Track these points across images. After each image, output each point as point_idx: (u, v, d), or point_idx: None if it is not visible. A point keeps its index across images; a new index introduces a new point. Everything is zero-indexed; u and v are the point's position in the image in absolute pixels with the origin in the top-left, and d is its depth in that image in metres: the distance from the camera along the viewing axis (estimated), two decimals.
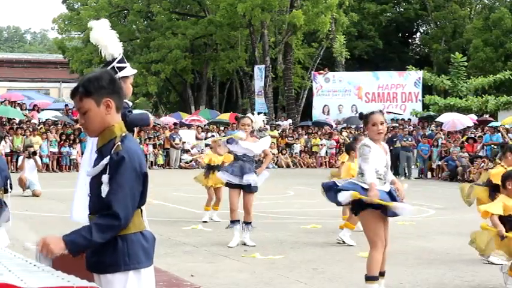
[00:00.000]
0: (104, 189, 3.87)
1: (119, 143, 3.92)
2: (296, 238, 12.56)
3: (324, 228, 13.35)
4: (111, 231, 3.84)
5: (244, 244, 11.41)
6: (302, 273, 9.39)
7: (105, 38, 7.30)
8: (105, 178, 3.87)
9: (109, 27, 7.39)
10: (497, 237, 8.31)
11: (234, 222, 11.52)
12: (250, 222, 11.50)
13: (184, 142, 34.32)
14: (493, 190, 9.86)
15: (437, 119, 36.13)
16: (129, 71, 7.35)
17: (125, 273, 3.93)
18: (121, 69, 7.21)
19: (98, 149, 4.06)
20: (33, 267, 3.77)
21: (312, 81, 45.41)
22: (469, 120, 33.69)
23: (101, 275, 3.97)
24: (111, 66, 7.16)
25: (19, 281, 3.37)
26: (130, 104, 7.50)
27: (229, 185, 11.51)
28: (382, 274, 7.90)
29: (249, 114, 11.84)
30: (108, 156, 3.89)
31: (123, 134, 4.00)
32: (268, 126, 36.81)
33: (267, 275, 9.31)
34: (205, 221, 14.30)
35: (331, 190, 7.91)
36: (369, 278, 7.73)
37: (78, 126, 29.72)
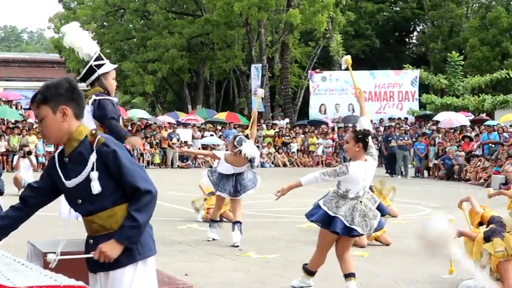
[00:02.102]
0: (94, 186, 3.89)
1: (99, 136, 3.95)
2: (291, 237, 12.54)
3: (319, 228, 13.29)
4: (151, 205, 3.93)
5: (233, 245, 11.34)
6: (297, 272, 9.34)
7: (78, 39, 7.28)
8: (94, 175, 3.89)
9: (80, 29, 7.36)
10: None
11: (214, 221, 11.89)
12: (241, 222, 11.52)
13: (182, 141, 34.29)
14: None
15: (434, 118, 36.11)
16: (108, 66, 7.34)
17: (135, 264, 3.97)
18: (100, 66, 7.19)
19: (70, 155, 4.00)
20: (21, 266, 3.73)
21: (308, 80, 45.38)
22: (465, 118, 33.67)
23: (109, 271, 3.98)
24: (89, 65, 7.15)
25: (6, 280, 3.34)
26: (116, 100, 7.46)
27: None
28: (352, 275, 8.13)
29: (238, 139, 11.53)
30: (94, 152, 3.90)
31: (93, 131, 4.01)
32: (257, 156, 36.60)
33: (262, 274, 9.29)
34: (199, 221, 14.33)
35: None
36: (308, 271, 8.41)
37: None
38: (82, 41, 7.26)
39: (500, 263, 8.08)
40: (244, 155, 11.23)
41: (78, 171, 3.95)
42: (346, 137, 8.29)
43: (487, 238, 8.25)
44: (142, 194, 3.88)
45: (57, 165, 4.07)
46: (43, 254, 5.97)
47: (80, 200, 4.01)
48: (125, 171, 3.88)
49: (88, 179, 3.92)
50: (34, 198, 4.20)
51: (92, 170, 3.88)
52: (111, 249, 3.86)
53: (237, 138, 11.42)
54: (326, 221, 8.00)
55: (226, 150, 12.63)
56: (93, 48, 7.29)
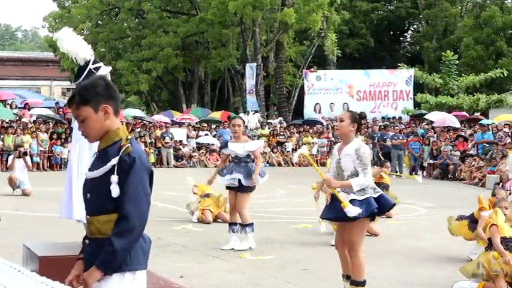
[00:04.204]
0: (114, 189, 3.90)
1: (129, 145, 3.98)
2: (286, 238, 12.53)
3: (315, 228, 13.31)
4: (130, 234, 3.89)
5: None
6: (292, 274, 9.37)
7: (74, 44, 7.30)
8: (114, 178, 3.91)
9: (74, 33, 7.37)
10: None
11: (230, 224, 11.44)
12: (245, 225, 11.16)
13: (176, 141, 34.25)
14: (472, 222, 9.99)
15: (426, 116, 36.11)
16: (104, 69, 7.38)
17: (122, 274, 3.95)
18: (97, 69, 7.22)
19: (101, 150, 4.07)
20: (17, 273, 3.73)
21: (303, 80, 45.38)
22: (457, 121, 33.68)
23: None
24: (88, 69, 7.16)
25: (1, 287, 3.33)
26: None
27: (227, 187, 11.46)
28: (349, 277, 7.83)
29: (242, 115, 11.77)
30: (117, 157, 3.93)
31: (129, 137, 4.05)
32: (259, 125, 36.79)
33: (257, 276, 9.28)
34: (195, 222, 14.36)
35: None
36: (363, 283, 7.72)
37: (71, 125, 29.67)
38: (78, 47, 7.28)
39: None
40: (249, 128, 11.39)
41: (99, 166, 3.99)
42: (342, 115, 7.89)
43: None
44: (123, 218, 3.87)
45: (94, 156, 4.17)
46: (39, 258, 5.99)
47: (89, 195, 4.05)
48: (126, 188, 3.89)
49: (102, 178, 3.95)
50: None
51: (113, 173, 3.91)
52: (89, 275, 3.89)
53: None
54: (378, 205, 7.53)
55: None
56: (89, 52, 7.32)
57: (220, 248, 11.21)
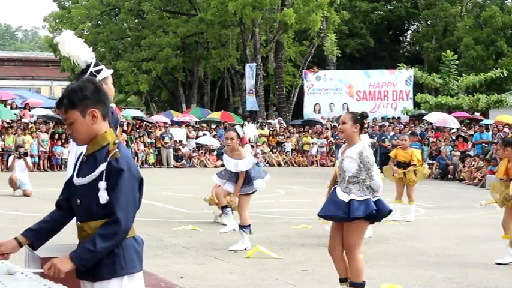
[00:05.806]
0: (102, 196, 3.88)
1: (116, 150, 3.94)
2: (286, 239, 12.55)
3: (314, 229, 13.34)
4: (114, 238, 3.87)
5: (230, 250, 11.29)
6: (292, 275, 9.39)
7: (75, 48, 7.30)
8: (102, 184, 3.88)
9: (75, 37, 7.38)
10: None
11: (222, 208, 11.78)
12: (243, 226, 11.27)
13: (176, 141, 34.29)
14: None
15: (425, 117, 36.11)
16: (106, 72, 7.38)
17: (120, 278, 3.95)
18: (98, 72, 7.23)
19: (89, 155, 4.03)
20: (21, 275, 3.76)
21: (303, 80, 45.40)
22: (457, 122, 33.70)
23: (95, 282, 3.97)
24: (89, 71, 7.17)
25: None
26: (114, 106, 7.47)
27: None
28: (347, 280, 7.80)
29: (237, 127, 11.73)
30: (105, 163, 3.90)
31: (116, 141, 4.00)
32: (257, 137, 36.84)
33: (257, 277, 9.30)
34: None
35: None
36: (362, 285, 7.72)
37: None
38: (79, 50, 7.28)
39: None
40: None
41: (87, 173, 3.97)
42: (343, 117, 7.84)
43: None
44: (113, 221, 3.85)
45: (79, 160, 4.13)
46: (41, 260, 5.99)
47: (79, 201, 4.03)
48: (115, 192, 3.87)
49: (92, 184, 3.93)
50: (65, 201, 4.22)
51: (101, 179, 3.89)
52: (62, 263, 3.86)
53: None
54: (377, 209, 7.61)
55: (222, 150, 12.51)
56: (90, 55, 7.32)
57: (228, 248, 11.27)
